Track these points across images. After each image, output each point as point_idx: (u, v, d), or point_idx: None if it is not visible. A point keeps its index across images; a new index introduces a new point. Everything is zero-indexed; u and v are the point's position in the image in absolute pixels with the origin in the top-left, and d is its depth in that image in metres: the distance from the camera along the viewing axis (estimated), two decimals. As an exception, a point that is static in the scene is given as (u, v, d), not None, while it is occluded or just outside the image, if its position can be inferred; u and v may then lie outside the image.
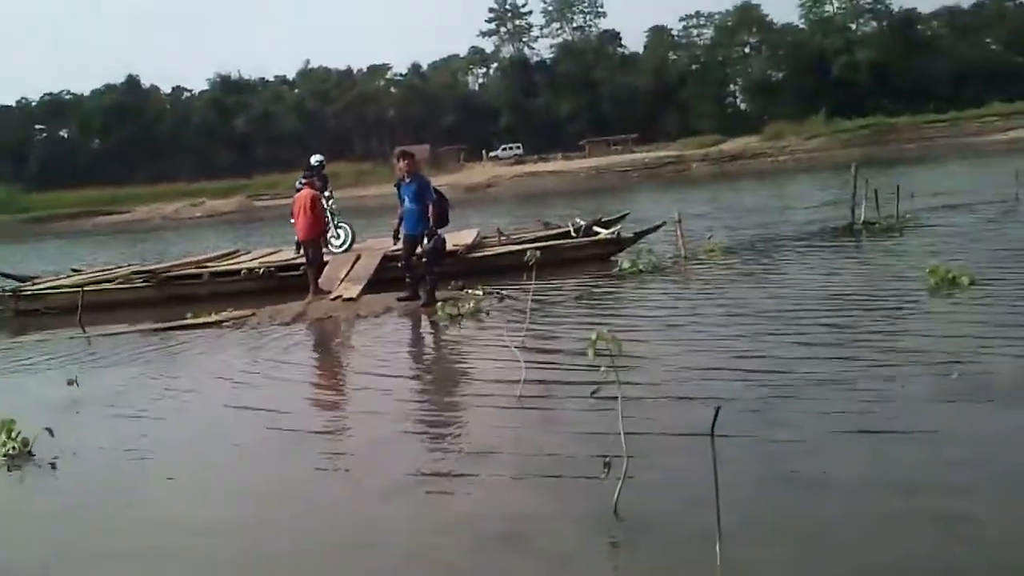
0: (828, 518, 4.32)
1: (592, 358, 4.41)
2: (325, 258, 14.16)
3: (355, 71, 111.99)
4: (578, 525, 4.45)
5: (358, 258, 14.65)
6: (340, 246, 15.80)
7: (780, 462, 5.07)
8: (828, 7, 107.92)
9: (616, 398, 4.57)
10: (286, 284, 14.44)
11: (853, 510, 4.37)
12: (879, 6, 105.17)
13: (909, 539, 4.03)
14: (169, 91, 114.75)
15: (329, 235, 15.43)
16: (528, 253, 8.54)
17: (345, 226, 16.15)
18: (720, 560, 3.69)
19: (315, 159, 16.48)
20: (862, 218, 16.50)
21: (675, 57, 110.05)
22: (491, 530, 4.51)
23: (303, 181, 14.48)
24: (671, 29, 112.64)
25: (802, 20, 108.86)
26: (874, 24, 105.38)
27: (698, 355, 7.75)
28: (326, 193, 15.75)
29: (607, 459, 4.53)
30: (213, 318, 12.42)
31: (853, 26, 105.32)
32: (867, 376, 6.51)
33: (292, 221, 13.98)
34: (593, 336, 4.35)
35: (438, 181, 12.85)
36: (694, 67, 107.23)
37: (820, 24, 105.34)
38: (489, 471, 5.37)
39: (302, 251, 13.99)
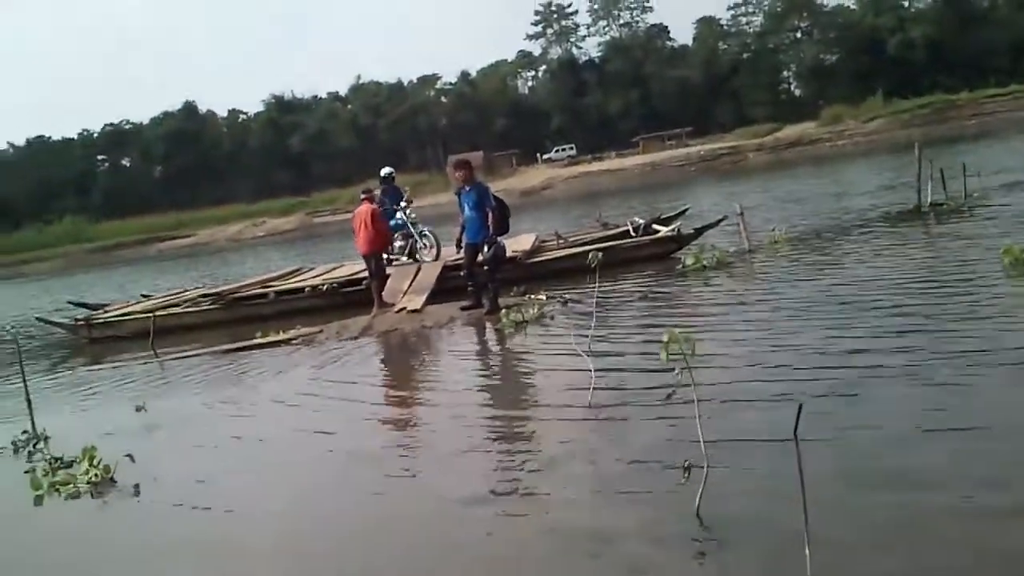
0: (917, 517, 4.18)
1: (665, 360, 4.33)
2: (388, 270, 14.27)
3: (406, 83, 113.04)
4: (660, 532, 4.37)
5: (419, 269, 14.69)
6: (429, 256, 15.74)
7: (863, 460, 4.92)
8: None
9: (692, 400, 4.48)
10: (350, 299, 14.53)
11: (942, 508, 4.23)
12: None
13: (1008, 536, 3.87)
14: (225, 115, 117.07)
15: (417, 245, 15.54)
16: (590, 255, 8.45)
17: (429, 234, 15.98)
18: (810, 564, 3.58)
19: (385, 171, 16.57)
20: (929, 200, 16.05)
21: (725, 47, 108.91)
22: (572, 540, 4.45)
23: (363, 196, 14.54)
24: (719, 19, 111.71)
25: (852, 1, 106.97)
26: (927, 0, 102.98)
27: (771, 352, 7.58)
28: (402, 204, 15.74)
29: (687, 463, 4.45)
30: (282, 336, 12.56)
31: (906, 3, 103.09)
32: (946, 367, 6.28)
33: (355, 236, 14.04)
34: (665, 337, 4.27)
35: (492, 186, 12.77)
36: (745, 56, 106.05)
37: (872, 3, 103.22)
38: (565, 480, 5.31)
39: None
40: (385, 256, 15.07)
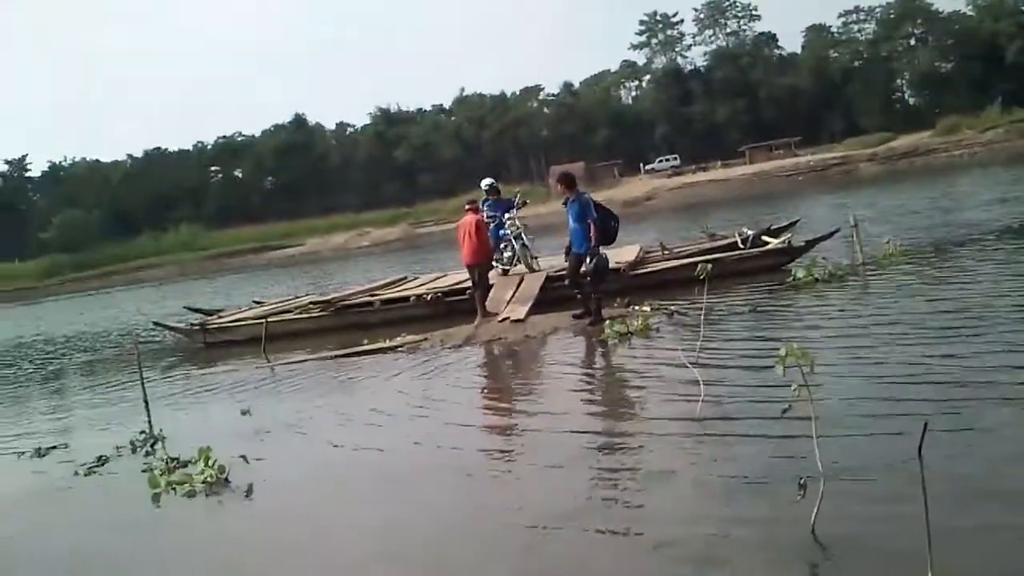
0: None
1: (782, 374, 4.22)
2: (492, 279, 14.32)
3: (508, 95, 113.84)
4: (775, 549, 4.27)
5: (523, 279, 14.71)
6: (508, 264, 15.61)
7: (986, 479, 4.73)
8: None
9: (806, 416, 4.36)
10: (454, 308, 14.67)
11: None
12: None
13: None
14: (333, 127, 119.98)
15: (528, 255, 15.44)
16: (699, 267, 8.32)
17: (528, 246, 15.50)
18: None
19: (485, 183, 16.40)
20: (1054, 212, 15.35)
21: (836, 55, 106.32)
22: (684, 554, 4.38)
23: (467, 207, 14.61)
24: (830, 26, 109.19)
25: (969, 7, 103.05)
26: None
27: (887, 368, 7.33)
28: (511, 213, 15.54)
29: (802, 479, 4.32)
30: (388, 344, 12.75)
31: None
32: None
33: (459, 246, 14.13)
34: (782, 351, 4.16)
35: (595, 197, 12.63)
36: (856, 64, 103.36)
37: (989, 9, 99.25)
38: (672, 497, 5.23)
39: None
40: (496, 266, 15.15)
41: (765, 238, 15.68)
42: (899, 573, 3.82)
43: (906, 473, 3.71)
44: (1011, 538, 4.06)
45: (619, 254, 15.73)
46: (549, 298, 13.78)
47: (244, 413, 9.19)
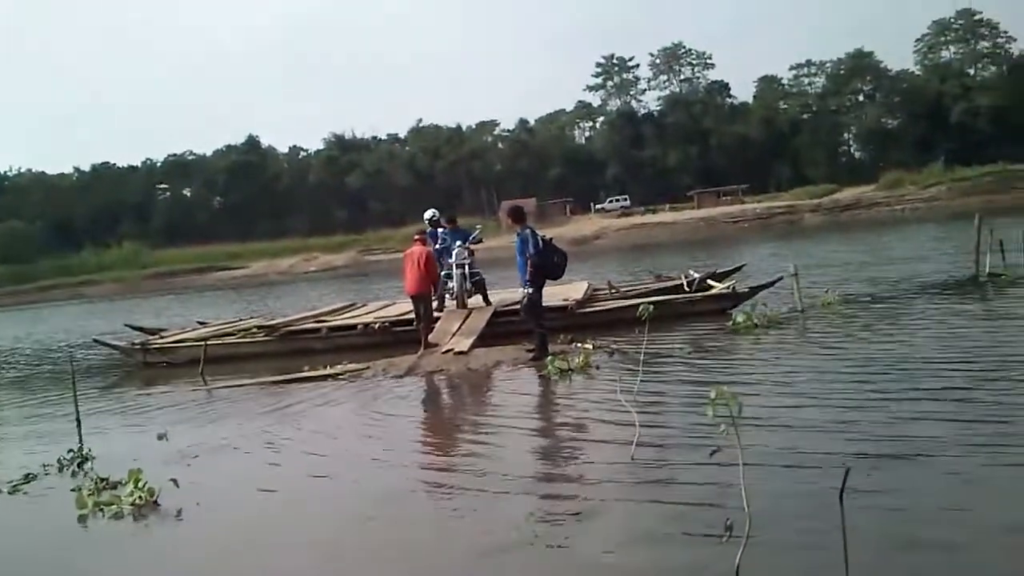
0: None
1: (711, 417, 4.31)
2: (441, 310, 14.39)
3: (464, 127, 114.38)
4: (699, 590, 4.33)
5: (471, 312, 14.76)
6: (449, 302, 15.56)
7: (906, 526, 4.87)
8: (945, 53, 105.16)
9: (736, 458, 4.45)
10: (400, 338, 14.61)
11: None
12: (998, 51, 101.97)
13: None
14: (286, 151, 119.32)
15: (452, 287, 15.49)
16: (641, 307, 8.44)
17: (454, 282, 15.34)
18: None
19: (428, 215, 16.57)
20: (987, 270, 15.81)
21: (785, 106, 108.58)
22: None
23: (416, 237, 14.65)
24: (781, 78, 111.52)
25: (918, 66, 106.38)
26: (993, 68, 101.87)
27: (818, 413, 7.50)
28: (459, 244, 15.35)
29: (728, 521, 4.40)
30: (329, 371, 12.68)
31: (971, 71, 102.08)
32: (994, 442, 6.17)
33: (403, 275, 14.14)
34: (712, 395, 4.25)
35: (545, 234, 12.75)
36: (805, 116, 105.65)
37: (937, 70, 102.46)
38: (602, 534, 5.27)
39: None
40: (440, 295, 15.22)
41: (710, 282, 15.96)
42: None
43: (830, 517, 3.81)
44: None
45: (567, 291, 15.90)
46: (498, 332, 13.85)
47: (160, 438, 8.96)
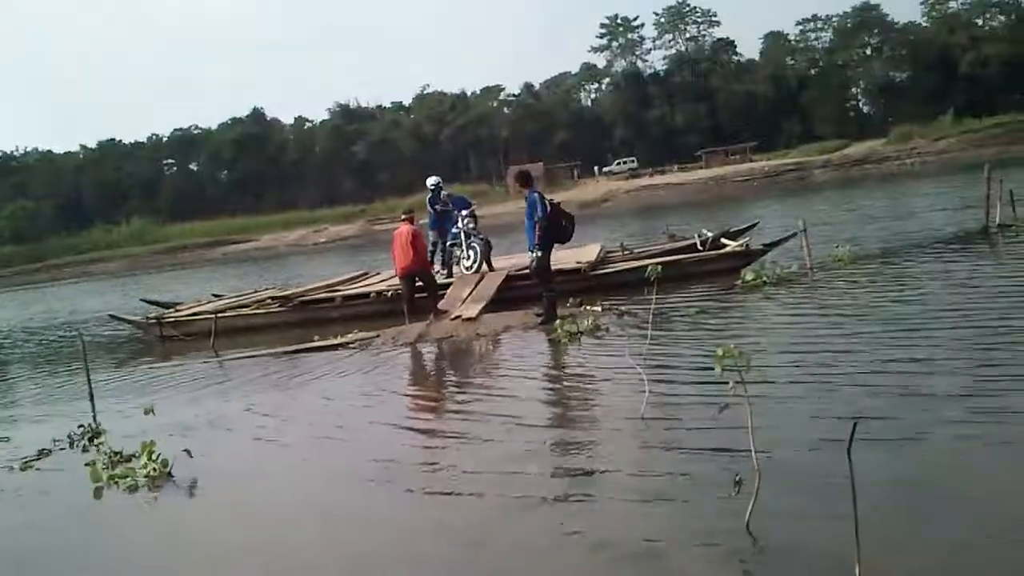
0: (968, 536, 4.13)
1: (719, 373, 4.31)
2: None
3: (469, 94, 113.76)
4: (710, 545, 4.35)
5: (482, 278, 14.77)
6: (469, 267, 15.48)
7: (918, 478, 4.87)
8: (952, 3, 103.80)
9: (745, 415, 4.45)
10: (414, 305, 14.56)
11: (994, 527, 4.17)
12: (1007, 0, 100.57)
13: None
14: (292, 122, 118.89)
15: (457, 254, 15.57)
16: (649, 268, 8.40)
17: (476, 247, 15.46)
18: (861, 582, 3.53)
19: (431, 181, 16.57)
20: (997, 221, 15.68)
21: (793, 62, 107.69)
22: (622, 551, 4.45)
23: (403, 216, 14.57)
24: (787, 34, 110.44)
25: (925, 18, 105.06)
26: (1002, 18, 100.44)
27: (827, 368, 7.50)
28: (464, 212, 15.60)
29: (738, 476, 4.42)
30: (339, 340, 12.72)
31: (980, 21, 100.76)
32: (1007, 391, 6.17)
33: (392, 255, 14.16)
34: (719, 351, 4.24)
35: (552, 197, 12.67)
36: (813, 71, 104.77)
37: (944, 21, 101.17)
38: (616, 491, 5.30)
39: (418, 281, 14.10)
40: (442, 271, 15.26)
41: (724, 240, 15.86)
42: (829, 568, 3.91)
43: (838, 472, 3.81)
44: (938, 535, 4.20)
45: (580, 254, 15.86)
46: (508, 297, 13.86)
47: (147, 412, 8.78)
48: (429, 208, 16.19)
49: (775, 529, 4.36)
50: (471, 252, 15.49)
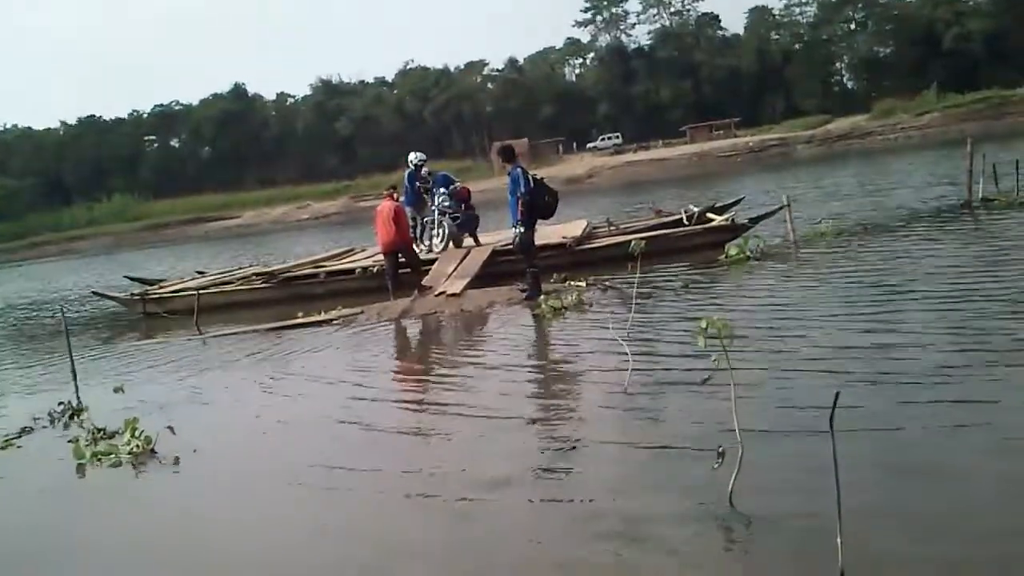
0: (947, 510, 4.18)
1: (702, 346, 4.31)
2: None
3: (452, 69, 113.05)
4: (694, 517, 4.37)
5: (467, 254, 14.74)
6: (438, 246, 15.52)
7: (898, 451, 4.90)
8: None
9: (728, 386, 4.47)
10: (399, 281, 14.53)
11: (972, 501, 4.21)
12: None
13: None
14: (274, 98, 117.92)
15: (429, 235, 15.56)
16: (632, 243, 8.41)
17: (446, 225, 15.50)
18: (842, 554, 3.56)
19: (415, 157, 16.34)
20: (980, 195, 15.75)
21: (777, 37, 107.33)
22: (606, 524, 4.47)
23: (385, 192, 14.50)
24: (772, 8, 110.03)
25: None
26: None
27: (809, 341, 7.53)
28: (442, 190, 15.50)
29: (720, 448, 4.44)
30: (323, 316, 12.69)
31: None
32: (985, 364, 6.20)
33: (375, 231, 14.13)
34: (703, 323, 4.25)
35: (536, 173, 12.61)
36: (797, 46, 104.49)
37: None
38: (598, 465, 5.33)
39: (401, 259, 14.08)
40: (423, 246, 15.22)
41: (710, 215, 15.88)
42: (810, 538, 3.94)
43: (821, 442, 3.83)
44: (918, 505, 4.24)
45: (566, 229, 15.86)
46: (493, 272, 13.85)
47: (116, 391, 8.68)
48: (406, 184, 16.08)
49: (758, 500, 4.38)
50: (439, 231, 15.49)
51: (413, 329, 11.58)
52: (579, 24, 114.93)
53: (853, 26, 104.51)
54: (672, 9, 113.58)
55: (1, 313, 22.91)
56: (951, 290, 9.06)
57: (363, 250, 18.52)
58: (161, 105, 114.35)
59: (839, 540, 3.56)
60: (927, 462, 4.70)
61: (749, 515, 4.29)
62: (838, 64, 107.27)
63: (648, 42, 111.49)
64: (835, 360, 6.80)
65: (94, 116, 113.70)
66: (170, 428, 6.80)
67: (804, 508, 4.24)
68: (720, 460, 4.41)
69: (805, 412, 5.52)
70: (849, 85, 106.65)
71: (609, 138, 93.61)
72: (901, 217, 16.35)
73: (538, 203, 11.92)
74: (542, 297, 11.37)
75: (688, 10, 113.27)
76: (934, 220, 15.24)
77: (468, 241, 15.63)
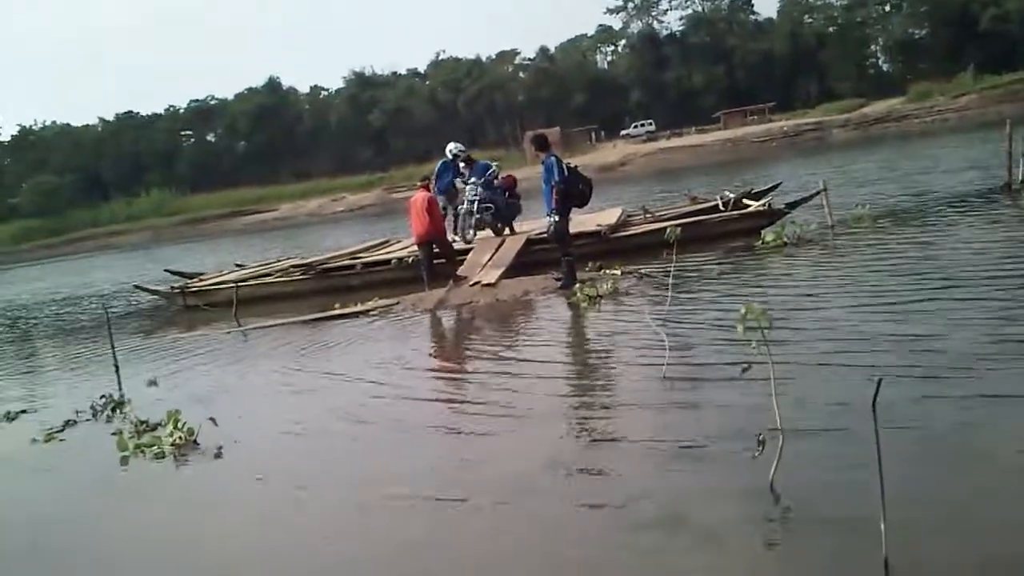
0: (995, 496, 4.13)
1: (741, 333, 4.29)
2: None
3: (484, 59, 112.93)
4: (734, 505, 4.36)
5: (502, 243, 14.75)
6: (472, 237, 15.35)
7: (941, 438, 4.85)
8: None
9: (767, 375, 4.44)
10: (435, 272, 14.56)
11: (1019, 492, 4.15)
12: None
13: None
14: (307, 91, 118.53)
15: (462, 226, 15.47)
16: (668, 230, 8.38)
17: (474, 219, 15.23)
18: (886, 542, 3.54)
19: (455, 148, 16.18)
20: (1020, 178, 15.47)
21: (811, 20, 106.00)
22: (646, 512, 4.47)
23: (420, 183, 14.46)
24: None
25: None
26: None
27: (849, 327, 7.45)
28: (472, 180, 15.31)
29: (760, 436, 4.42)
30: (359, 308, 12.78)
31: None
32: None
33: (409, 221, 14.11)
34: (742, 311, 4.23)
35: (570, 161, 12.57)
36: (831, 29, 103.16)
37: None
38: (637, 453, 5.32)
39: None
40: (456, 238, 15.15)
41: (746, 201, 15.73)
42: (853, 526, 3.92)
43: (861, 429, 3.81)
44: (963, 492, 4.20)
45: (601, 217, 15.81)
46: (529, 261, 13.87)
47: (150, 384, 8.79)
48: (439, 173, 15.89)
49: (799, 488, 4.37)
50: (471, 219, 15.29)
51: (449, 320, 11.62)
52: (610, 11, 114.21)
53: (888, 8, 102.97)
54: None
55: (47, 307, 23.28)
56: (990, 273, 8.93)
57: (398, 241, 18.58)
58: (197, 100, 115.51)
59: (883, 527, 3.54)
60: (973, 450, 4.65)
61: (790, 501, 4.28)
62: (873, 47, 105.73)
63: (680, 28, 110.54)
64: (877, 347, 6.71)
65: (131, 112, 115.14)
66: (212, 420, 6.89)
67: (847, 493, 4.22)
68: (761, 447, 4.39)
69: (847, 399, 5.48)
70: (884, 68, 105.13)
71: (642, 125, 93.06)
72: (939, 201, 16.10)
73: (572, 191, 11.90)
74: (577, 286, 11.36)
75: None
76: (973, 203, 15.00)
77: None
